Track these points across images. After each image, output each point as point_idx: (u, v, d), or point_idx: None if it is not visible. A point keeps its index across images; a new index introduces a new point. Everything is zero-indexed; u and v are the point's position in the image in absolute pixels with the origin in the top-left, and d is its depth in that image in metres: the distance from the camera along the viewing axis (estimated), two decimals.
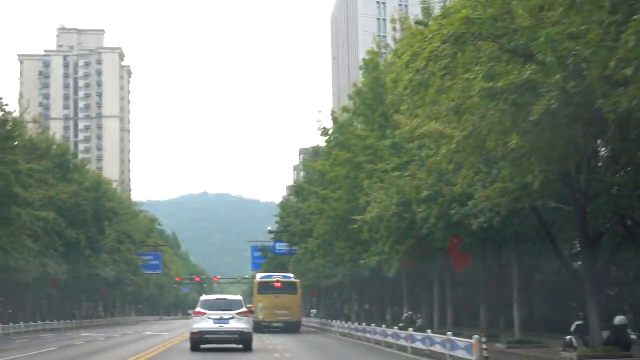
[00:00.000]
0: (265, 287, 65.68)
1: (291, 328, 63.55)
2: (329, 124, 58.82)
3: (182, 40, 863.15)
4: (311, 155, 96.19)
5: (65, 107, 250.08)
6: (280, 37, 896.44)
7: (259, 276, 72.41)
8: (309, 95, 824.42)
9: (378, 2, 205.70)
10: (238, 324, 35.61)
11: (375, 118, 49.85)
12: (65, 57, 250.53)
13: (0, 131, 59.98)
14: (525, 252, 40.47)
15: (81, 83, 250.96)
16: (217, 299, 38.91)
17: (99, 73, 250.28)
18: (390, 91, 32.73)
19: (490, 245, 40.14)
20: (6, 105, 64.02)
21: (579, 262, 35.59)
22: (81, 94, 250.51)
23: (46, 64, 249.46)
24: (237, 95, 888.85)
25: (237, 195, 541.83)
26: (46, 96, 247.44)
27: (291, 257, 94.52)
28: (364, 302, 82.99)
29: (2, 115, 62.84)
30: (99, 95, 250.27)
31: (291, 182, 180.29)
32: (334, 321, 67.30)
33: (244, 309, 36.69)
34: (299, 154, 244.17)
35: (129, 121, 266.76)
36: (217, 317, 35.45)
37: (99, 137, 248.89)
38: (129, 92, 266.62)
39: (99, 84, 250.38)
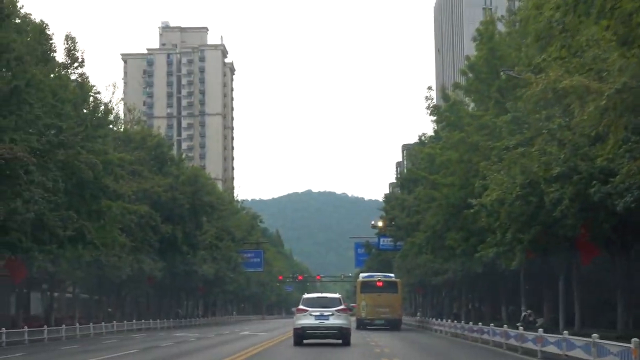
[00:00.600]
0: (368, 287, 68.30)
1: (392, 325, 65.80)
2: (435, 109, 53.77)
3: (285, 37, 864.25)
4: (417, 145, 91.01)
5: (169, 105, 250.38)
6: (383, 31, 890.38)
7: (361, 276, 75.27)
8: (411, 90, 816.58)
9: None
10: (337, 320, 37.87)
11: (492, 93, 44.42)
12: (168, 55, 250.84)
13: (90, 118, 56.54)
14: None
15: (184, 81, 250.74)
16: (318, 297, 41.05)
17: (202, 71, 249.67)
18: (534, 20, 27.16)
19: (633, 232, 34.12)
20: (98, 93, 60.99)
21: None
22: (184, 92, 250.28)
23: (150, 63, 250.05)
24: (339, 92, 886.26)
25: (341, 193, 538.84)
26: (150, 95, 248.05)
27: (396, 253, 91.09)
28: (475, 301, 77.37)
29: (93, 102, 59.64)
30: (202, 93, 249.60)
31: (394, 180, 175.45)
32: (433, 319, 67.53)
33: (342, 307, 38.75)
34: (402, 151, 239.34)
35: (232, 119, 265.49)
36: (318, 313, 37.87)
37: (202, 135, 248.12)
38: (232, 89, 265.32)
39: (202, 81, 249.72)
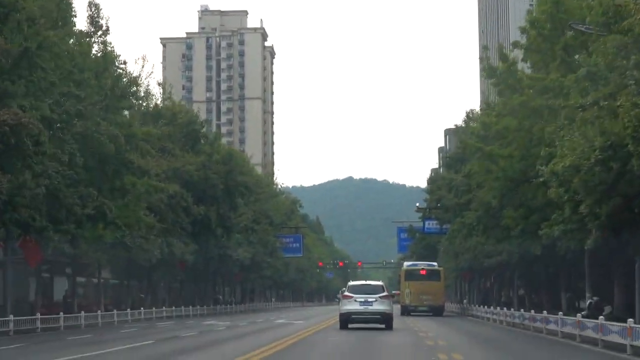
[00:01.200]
0: (412, 275, 71.64)
1: (435, 311, 69.12)
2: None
3: (325, 20, 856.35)
4: (464, 123, 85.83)
5: (208, 89, 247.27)
6: (425, 14, 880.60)
7: (405, 264, 78.54)
8: (454, 74, 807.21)
9: None
10: (380, 306, 39.84)
11: (556, 51, 39.04)
12: (207, 39, 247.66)
13: (111, 87, 51.99)
14: None
15: (224, 65, 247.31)
16: (363, 284, 43.43)
17: (241, 54, 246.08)
18: None
19: None
20: (124, 63, 56.46)
21: None
22: (224, 76, 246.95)
23: (189, 47, 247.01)
24: (381, 76, 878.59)
25: (382, 180, 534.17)
26: (189, 79, 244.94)
27: (441, 237, 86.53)
28: (528, 287, 71.81)
29: (117, 72, 55.03)
30: (242, 77, 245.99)
31: (436, 165, 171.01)
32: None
33: (385, 293, 40.71)
34: (445, 135, 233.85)
35: (272, 103, 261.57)
36: (363, 300, 39.75)
37: (242, 120, 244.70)
38: (272, 73, 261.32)
39: (242, 65, 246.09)
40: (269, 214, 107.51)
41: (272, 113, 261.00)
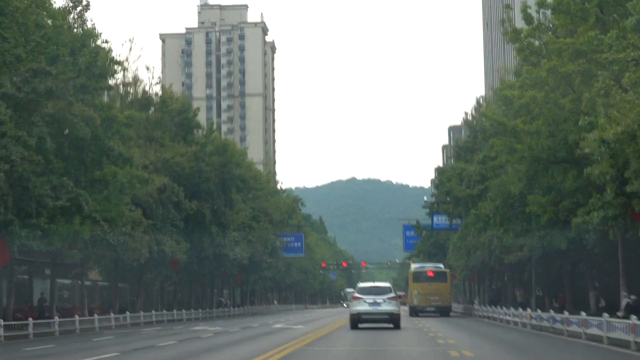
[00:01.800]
0: (420, 276, 73.07)
1: (442, 312, 70.88)
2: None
3: (328, 17, 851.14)
4: (474, 110, 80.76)
5: (208, 86, 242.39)
6: (428, 13, 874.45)
7: (413, 266, 79.13)
8: (457, 73, 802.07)
9: None
10: (389, 307, 41.47)
11: (590, 9, 33.59)
12: (207, 34, 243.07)
13: (87, 64, 46.65)
14: None
15: (224, 60, 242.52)
16: (371, 286, 44.51)
17: (241, 49, 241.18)
18: None
19: None
20: (106, 42, 51.04)
21: None
22: (224, 72, 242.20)
23: (188, 42, 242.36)
24: (383, 77, 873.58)
25: (385, 180, 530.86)
26: (188, 75, 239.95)
27: (451, 233, 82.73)
28: (546, 286, 66.24)
29: (95, 49, 49.48)
30: (242, 72, 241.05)
31: (440, 165, 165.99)
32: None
33: (393, 294, 42.45)
34: (449, 132, 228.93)
35: (273, 100, 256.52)
36: (372, 301, 41.33)
37: (242, 117, 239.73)
38: (273, 69, 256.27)
39: (242, 60, 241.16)
40: (269, 212, 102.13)
41: (273, 110, 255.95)
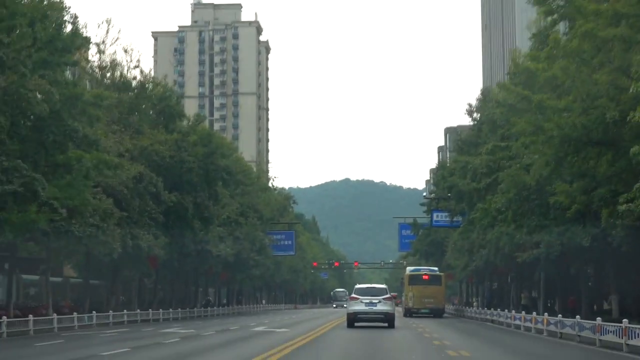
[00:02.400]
0: (415, 279, 74.85)
1: (436, 313, 73.06)
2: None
3: (322, 17, 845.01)
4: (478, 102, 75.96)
5: (201, 84, 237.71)
6: (424, 13, 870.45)
7: (409, 269, 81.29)
8: (454, 73, 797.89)
9: None
10: (384, 307, 43.37)
11: None
12: (200, 32, 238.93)
13: (48, 35, 41.71)
14: None
15: (217, 59, 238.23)
16: (368, 287, 46.38)
17: (235, 48, 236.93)
18: None
19: None
20: (75, 18, 45.85)
21: None
22: (217, 70, 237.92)
23: (181, 41, 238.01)
24: (378, 78, 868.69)
25: (379, 181, 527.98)
26: (181, 74, 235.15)
27: (451, 231, 78.76)
28: (552, 287, 61.10)
29: (56, 22, 44.39)
30: (235, 71, 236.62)
31: (435, 166, 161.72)
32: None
33: (388, 295, 44.40)
34: (445, 134, 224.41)
35: (266, 99, 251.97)
36: (368, 301, 43.24)
37: (235, 116, 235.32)
38: (267, 68, 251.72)
39: (235, 59, 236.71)
40: (258, 208, 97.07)
41: (267, 109, 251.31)
